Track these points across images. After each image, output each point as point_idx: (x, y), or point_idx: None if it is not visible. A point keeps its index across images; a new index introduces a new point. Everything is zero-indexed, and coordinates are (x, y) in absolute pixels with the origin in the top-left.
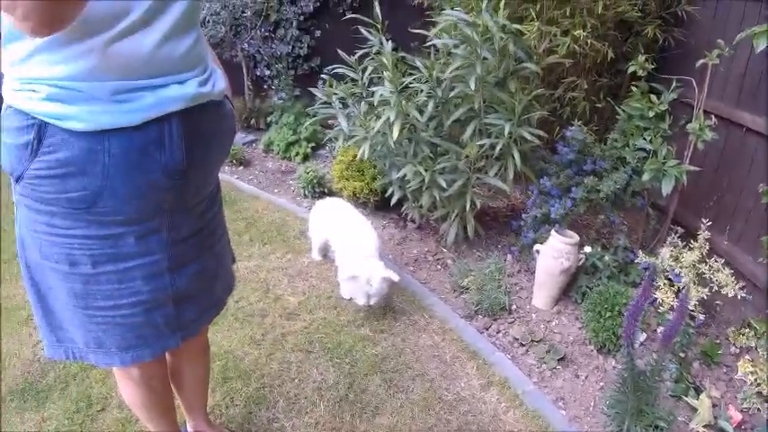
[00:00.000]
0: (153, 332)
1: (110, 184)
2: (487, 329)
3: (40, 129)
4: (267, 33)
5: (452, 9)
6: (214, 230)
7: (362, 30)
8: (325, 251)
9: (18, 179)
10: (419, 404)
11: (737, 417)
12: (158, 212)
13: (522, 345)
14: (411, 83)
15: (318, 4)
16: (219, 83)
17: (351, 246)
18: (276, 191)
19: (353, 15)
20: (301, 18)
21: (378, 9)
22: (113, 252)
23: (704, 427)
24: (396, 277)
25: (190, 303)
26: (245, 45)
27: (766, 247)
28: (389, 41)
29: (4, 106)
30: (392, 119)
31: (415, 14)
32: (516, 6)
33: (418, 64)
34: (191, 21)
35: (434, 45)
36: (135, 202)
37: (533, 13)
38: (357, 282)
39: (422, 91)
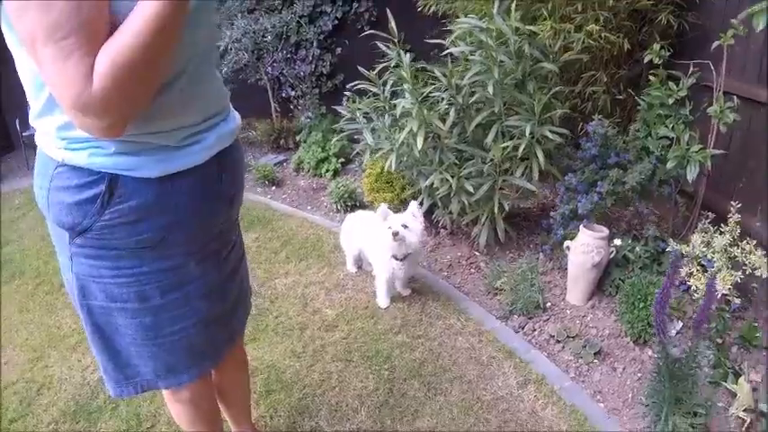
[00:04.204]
0: (213, 343)
1: (178, 220)
2: (523, 328)
3: (111, 181)
4: (289, 55)
5: (465, 16)
6: (242, 240)
7: (380, 45)
8: (360, 263)
9: (81, 232)
10: (458, 405)
11: None
12: (215, 235)
13: (558, 341)
14: (431, 92)
15: (337, 21)
16: (237, 115)
17: (375, 240)
18: (309, 208)
19: (371, 31)
20: (321, 37)
21: (393, 23)
22: (178, 279)
23: (744, 411)
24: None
25: (236, 310)
26: (269, 68)
27: None
28: (407, 53)
29: (51, 166)
30: (415, 129)
31: (432, 24)
32: (528, 7)
33: (437, 73)
34: (216, 61)
35: (451, 53)
36: (200, 231)
37: (546, 13)
38: (400, 238)
39: (443, 99)
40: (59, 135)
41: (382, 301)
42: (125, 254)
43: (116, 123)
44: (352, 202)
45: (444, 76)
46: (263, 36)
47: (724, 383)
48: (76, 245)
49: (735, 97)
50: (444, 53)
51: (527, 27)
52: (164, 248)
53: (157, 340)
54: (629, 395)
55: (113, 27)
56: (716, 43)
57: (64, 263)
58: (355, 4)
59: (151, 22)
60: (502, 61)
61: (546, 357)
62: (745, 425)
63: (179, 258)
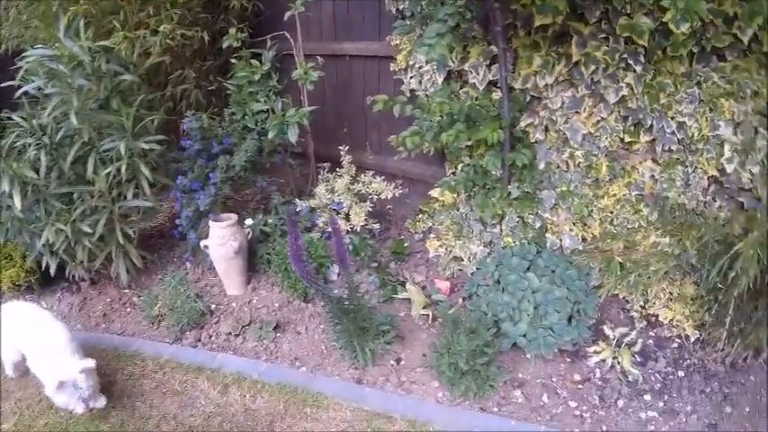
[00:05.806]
0: None
1: None
2: (199, 340)
3: None
4: None
5: (33, 48)
6: None
7: None
8: (25, 368)
9: None
10: None
11: (446, 285)
12: None
13: (237, 335)
14: (15, 141)
15: None
16: None
17: (39, 351)
18: None
19: None
20: None
21: None
22: None
23: (424, 308)
24: (91, 362)
25: None
26: None
27: (401, 141)
28: None
29: None
30: (8, 189)
31: (9, 64)
32: (100, 21)
33: (15, 118)
34: None
35: (26, 92)
36: None
37: (117, 24)
38: (67, 388)
39: (30, 145)
40: None
41: (61, 403)
42: None
43: None
44: None
45: (24, 119)
46: None
47: (396, 296)
48: None
49: (318, 57)
50: (19, 94)
51: (98, 43)
52: None
53: None
54: (323, 347)
55: None
56: (288, 14)
57: None
58: None
59: None
60: (80, 86)
61: (233, 355)
62: (430, 318)
63: None
